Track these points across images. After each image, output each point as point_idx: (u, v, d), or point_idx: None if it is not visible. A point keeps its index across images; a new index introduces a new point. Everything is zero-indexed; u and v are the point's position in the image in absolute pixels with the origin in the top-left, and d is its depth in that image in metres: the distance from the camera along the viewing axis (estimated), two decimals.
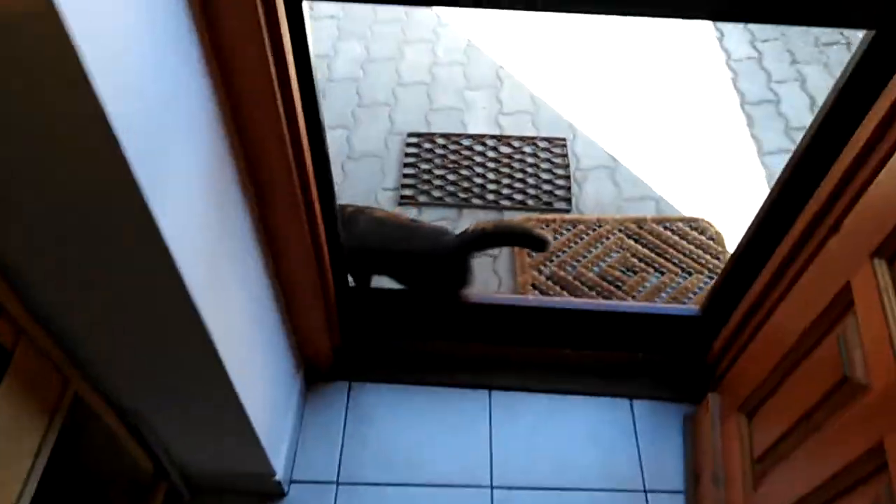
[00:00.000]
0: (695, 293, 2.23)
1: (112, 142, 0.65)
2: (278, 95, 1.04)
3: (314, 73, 1.16)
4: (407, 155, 2.64)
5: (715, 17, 1.08)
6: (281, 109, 1.07)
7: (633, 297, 2.21)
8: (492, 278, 2.26)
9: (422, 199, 2.50)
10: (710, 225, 2.42)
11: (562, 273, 2.28)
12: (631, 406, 1.79)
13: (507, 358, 1.86)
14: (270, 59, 0.99)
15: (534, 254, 2.32)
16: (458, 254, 1.72)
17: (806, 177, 1.22)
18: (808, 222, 1.21)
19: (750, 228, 1.43)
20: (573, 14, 1.06)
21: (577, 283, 2.25)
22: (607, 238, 2.38)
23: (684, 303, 2.21)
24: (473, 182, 2.56)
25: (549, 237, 1.78)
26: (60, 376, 1.00)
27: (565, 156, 2.66)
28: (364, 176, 2.58)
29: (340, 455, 1.68)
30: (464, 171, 2.59)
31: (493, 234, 1.76)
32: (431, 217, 2.44)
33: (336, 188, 2.52)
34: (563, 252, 2.34)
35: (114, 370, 1.10)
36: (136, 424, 1.27)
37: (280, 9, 0.96)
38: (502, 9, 1.04)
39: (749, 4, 0.96)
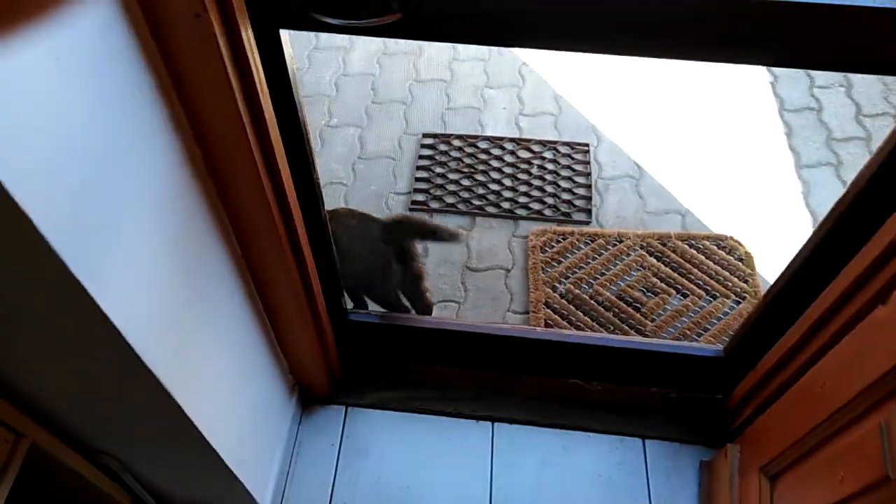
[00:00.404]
0: (719, 318, 2.09)
1: (23, 220, 0.55)
2: (252, 142, 0.93)
3: (297, 96, 1.05)
4: (421, 157, 2.52)
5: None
6: (258, 155, 0.96)
7: (652, 321, 2.08)
8: (503, 294, 2.15)
9: (434, 205, 2.38)
10: (740, 244, 2.27)
11: (577, 291, 2.15)
12: (643, 446, 1.67)
13: (513, 388, 1.75)
14: (241, 102, 0.88)
15: (548, 270, 2.20)
16: (380, 247, 1.67)
17: (854, 227, 1.08)
18: (853, 280, 1.07)
19: (786, 271, 1.29)
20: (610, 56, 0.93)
21: (592, 302, 2.13)
22: (628, 255, 2.25)
23: (707, 328, 2.07)
24: (489, 188, 2.43)
25: (461, 232, 1.77)
26: (10, 433, 0.92)
27: (587, 163, 2.51)
28: (375, 178, 2.47)
29: (332, 487, 1.59)
30: (479, 177, 2.47)
31: (401, 227, 1.71)
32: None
33: (345, 191, 2.43)
34: (580, 268, 2.21)
35: (75, 421, 1.02)
36: (107, 464, 1.19)
37: (247, 43, 0.85)
38: (518, 47, 0.91)
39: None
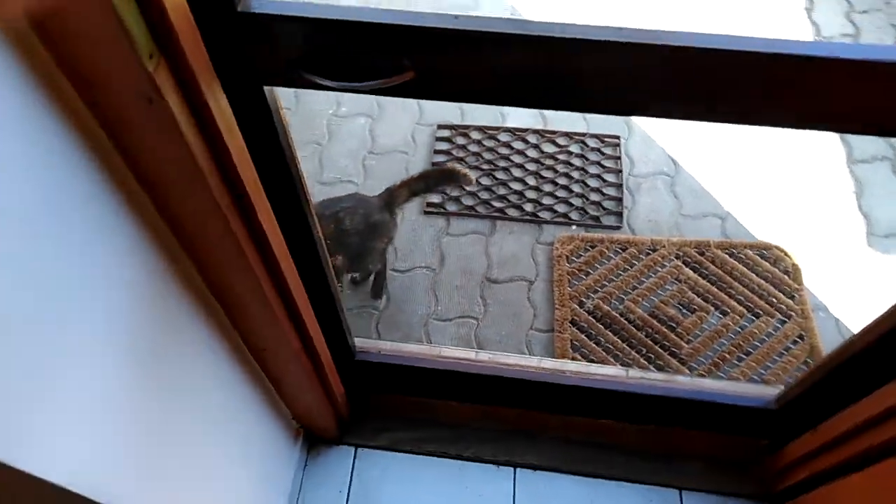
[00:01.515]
0: (762, 340, 1.91)
1: None
2: (231, 218, 0.75)
3: (290, 151, 0.86)
4: (437, 152, 2.32)
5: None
6: (239, 230, 0.78)
7: (688, 342, 1.91)
8: (526, 310, 1.98)
9: (450, 207, 2.19)
10: (786, 254, 2.07)
11: (606, 308, 1.98)
12: (680, 498, 1.52)
13: (536, 428, 1.60)
14: (213, 180, 0.70)
15: (575, 283, 2.02)
16: (385, 207, 1.82)
17: None
18: None
19: (874, 327, 1.09)
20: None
21: (623, 320, 1.95)
22: (662, 266, 2.06)
23: (748, 352, 1.90)
24: (510, 188, 2.23)
25: (471, 175, 1.86)
26: None
27: (618, 158, 2.30)
28: (386, 175, 2.27)
29: None
30: (500, 174, 2.26)
31: (418, 180, 1.86)
32: (461, 230, 2.14)
33: (354, 190, 2.24)
34: (610, 281, 2.03)
35: None
36: None
37: (217, 110, 0.66)
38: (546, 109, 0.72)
39: None
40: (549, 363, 1.68)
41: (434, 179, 1.92)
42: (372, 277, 2.00)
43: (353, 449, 1.59)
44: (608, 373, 1.61)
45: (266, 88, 0.76)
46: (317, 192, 2.20)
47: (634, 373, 1.70)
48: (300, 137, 2.37)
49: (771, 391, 1.49)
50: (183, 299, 0.83)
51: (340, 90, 0.70)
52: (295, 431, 1.51)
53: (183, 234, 0.78)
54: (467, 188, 2.22)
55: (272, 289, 0.94)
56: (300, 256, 1.03)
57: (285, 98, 2.45)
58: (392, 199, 1.82)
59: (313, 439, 1.58)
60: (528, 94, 0.73)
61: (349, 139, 2.37)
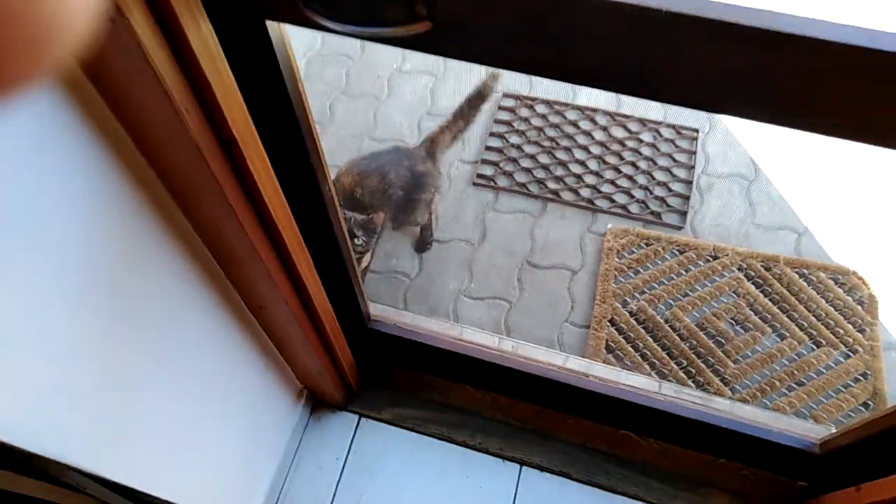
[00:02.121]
0: (820, 372, 1.73)
1: None
2: (215, 165, 0.68)
3: (298, 96, 0.77)
4: (497, 122, 2.20)
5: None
6: (226, 181, 0.71)
7: (735, 362, 1.75)
8: (563, 301, 1.86)
9: (501, 181, 2.07)
10: (864, 283, 1.86)
11: (651, 311, 1.83)
12: None
13: (552, 428, 1.50)
14: (192, 121, 0.62)
15: (621, 281, 1.88)
16: (429, 156, 1.79)
17: None
18: None
19: None
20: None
21: (667, 328, 1.81)
22: (721, 276, 1.89)
23: (801, 382, 1.72)
24: (569, 170, 2.09)
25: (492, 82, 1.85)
26: None
27: (693, 153, 2.11)
28: None
29: None
30: (560, 154, 2.12)
31: (455, 120, 1.84)
32: (508, 207, 2.03)
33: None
34: (660, 284, 1.88)
35: None
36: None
37: (198, 43, 0.58)
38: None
39: None
40: (575, 363, 1.57)
41: (468, 108, 1.84)
42: (418, 231, 1.93)
43: (356, 417, 1.53)
44: (638, 384, 1.49)
45: (271, 25, 0.67)
46: (366, 147, 2.13)
47: (669, 388, 1.57)
48: (358, 89, 2.29)
49: (816, 431, 1.34)
50: (162, 236, 0.76)
51: (342, 33, 0.61)
52: (298, 392, 1.46)
53: (162, 171, 0.71)
54: (522, 164, 2.09)
55: (266, 245, 0.86)
56: (305, 213, 0.95)
57: (349, 47, 2.37)
58: (434, 146, 1.75)
59: (317, 402, 1.53)
60: (576, 65, 0.60)
61: (409, 97, 2.27)
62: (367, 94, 2.28)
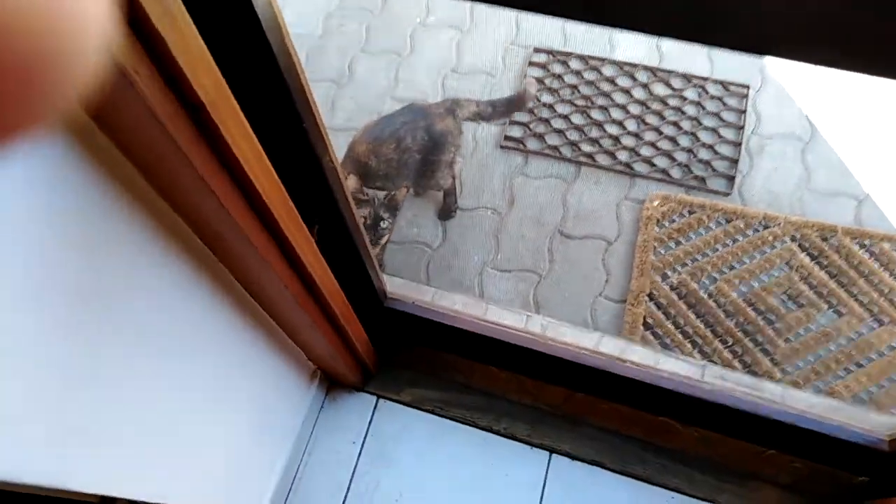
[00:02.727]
0: (881, 353, 1.58)
1: None
2: (174, 130, 0.56)
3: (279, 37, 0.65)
4: (527, 78, 2.03)
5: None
6: (190, 149, 0.59)
7: (787, 342, 1.61)
8: (597, 273, 1.73)
9: (531, 144, 1.93)
10: None
11: (693, 285, 1.69)
12: None
13: (583, 413, 1.39)
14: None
15: (661, 252, 1.73)
16: (448, 113, 1.65)
17: None
18: None
19: None
20: None
21: (711, 303, 1.67)
22: (772, 247, 1.73)
23: (860, 364, 1.57)
24: (605, 131, 1.93)
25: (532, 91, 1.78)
26: None
27: (742, 111, 1.93)
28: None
29: (345, 497, 1.35)
30: (596, 114, 1.96)
31: (487, 105, 1.72)
32: (539, 172, 1.88)
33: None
34: (704, 255, 1.73)
35: None
36: None
37: None
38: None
39: None
40: (610, 345, 1.45)
41: (503, 108, 1.72)
42: (441, 197, 1.80)
43: (374, 399, 1.44)
44: (679, 370, 1.36)
45: None
46: (387, 109, 1.99)
47: (713, 372, 1.44)
48: (379, 45, 2.14)
49: (882, 424, 1.20)
50: (135, 219, 0.65)
51: None
52: (311, 373, 1.37)
53: (126, 147, 0.60)
54: (554, 125, 1.94)
55: (252, 222, 0.75)
56: (303, 186, 0.83)
57: (370, 0, 2.22)
58: (456, 106, 1.62)
59: (333, 382, 1.44)
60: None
61: (432, 53, 2.11)
62: (388, 51, 2.13)
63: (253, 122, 0.67)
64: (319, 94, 2.05)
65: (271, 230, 0.79)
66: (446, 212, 1.81)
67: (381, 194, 1.51)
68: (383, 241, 1.60)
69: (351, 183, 1.50)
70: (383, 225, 1.51)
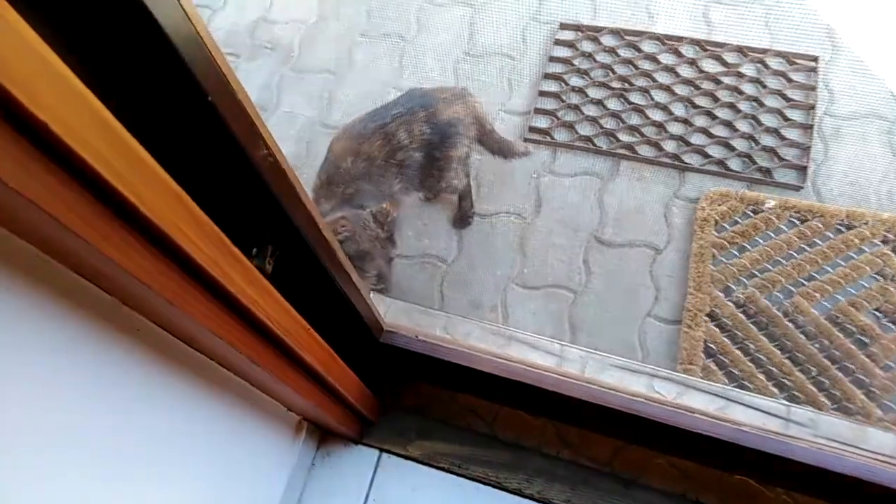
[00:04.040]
0: None
1: None
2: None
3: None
4: (553, 59, 1.74)
5: None
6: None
7: (886, 369, 1.29)
8: (644, 288, 1.43)
9: (560, 135, 1.64)
10: None
11: (764, 301, 1.38)
12: None
13: (637, 471, 1.10)
14: None
15: (721, 261, 1.43)
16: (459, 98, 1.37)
17: None
18: None
19: None
20: None
21: (788, 323, 1.36)
22: (859, 251, 1.42)
23: None
24: (647, 118, 1.63)
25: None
26: None
27: (812, 88, 1.61)
28: (482, 86, 1.74)
29: None
30: (635, 97, 1.66)
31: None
32: (569, 169, 1.59)
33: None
34: (776, 264, 1.42)
35: None
36: None
37: None
38: None
39: None
40: (667, 383, 1.15)
41: (493, 144, 1.48)
42: (455, 201, 1.52)
43: (376, 453, 1.17)
44: (755, 416, 1.06)
45: None
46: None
47: (801, 416, 1.13)
48: (381, 28, 1.87)
49: None
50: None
51: None
52: (295, 424, 1.10)
53: None
54: (586, 112, 1.64)
55: (147, 260, 0.48)
56: (233, 200, 0.56)
57: None
58: (466, 93, 1.34)
59: (326, 432, 1.17)
60: None
61: (442, 33, 1.84)
62: (391, 35, 1.86)
63: (118, 106, 0.40)
64: (315, 87, 1.79)
65: (183, 265, 0.51)
66: (462, 219, 1.53)
67: (356, 212, 1.23)
68: (390, 281, 1.32)
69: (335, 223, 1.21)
70: (391, 261, 1.24)
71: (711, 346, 1.35)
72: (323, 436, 1.19)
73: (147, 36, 0.43)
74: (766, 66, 1.66)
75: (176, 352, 0.69)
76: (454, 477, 1.14)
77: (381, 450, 1.17)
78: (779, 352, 1.34)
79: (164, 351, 0.67)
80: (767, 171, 1.53)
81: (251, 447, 0.99)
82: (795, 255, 1.43)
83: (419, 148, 1.28)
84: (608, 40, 1.75)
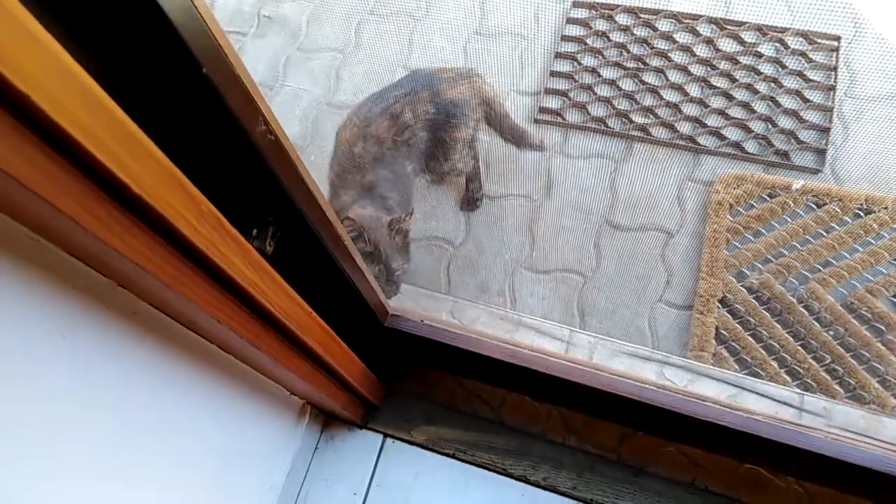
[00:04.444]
0: None
1: None
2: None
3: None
4: (565, 38, 1.70)
5: None
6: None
7: None
8: (656, 272, 1.41)
9: (572, 116, 1.60)
10: None
11: (778, 287, 1.35)
12: None
13: (645, 459, 1.08)
14: None
15: (736, 246, 1.40)
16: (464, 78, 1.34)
17: None
18: None
19: None
20: None
21: (802, 310, 1.33)
22: (878, 237, 1.38)
23: None
24: (661, 98, 1.59)
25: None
26: None
27: (832, 69, 1.57)
28: (493, 67, 1.71)
29: None
30: (649, 77, 1.62)
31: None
32: (581, 150, 1.56)
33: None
34: (791, 249, 1.39)
35: None
36: None
37: None
38: None
39: None
40: (677, 369, 1.13)
41: (509, 133, 1.45)
42: (463, 183, 1.50)
43: (380, 438, 1.16)
44: (768, 404, 1.04)
45: None
46: None
47: (814, 405, 1.11)
48: (389, 6, 1.84)
49: None
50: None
51: None
52: (299, 408, 1.09)
53: None
54: (598, 93, 1.61)
55: (144, 242, 0.46)
56: (224, 170, 0.54)
57: None
58: (473, 72, 1.31)
59: (330, 417, 1.16)
60: None
61: (452, 12, 1.80)
62: (400, 13, 1.83)
63: (107, 79, 0.38)
64: (322, 65, 1.76)
65: (178, 245, 0.50)
66: (470, 201, 1.50)
67: (373, 222, 1.20)
68: (397, 285, 1.29)
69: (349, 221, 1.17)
70: (397, 273, 1.21)
71: (723, 332, 1.33)
72: (327, 420, 1.18)
73: (137, 3, 0.41)
74: (785, 45, 1.61)
75: (176, 335, 0.68)
76: (459, 463, 1.13)
77: (386, 435, 1.16)
78: (792, 339, 1.31)
79: (164, 334, 0.66)
80: (785, 154, 1.49)
81: (254, 431, 0.98)
82: (812, 240, 1.40)
83: (424, 127, 1.25)
84: (622, 19, 1.70)
